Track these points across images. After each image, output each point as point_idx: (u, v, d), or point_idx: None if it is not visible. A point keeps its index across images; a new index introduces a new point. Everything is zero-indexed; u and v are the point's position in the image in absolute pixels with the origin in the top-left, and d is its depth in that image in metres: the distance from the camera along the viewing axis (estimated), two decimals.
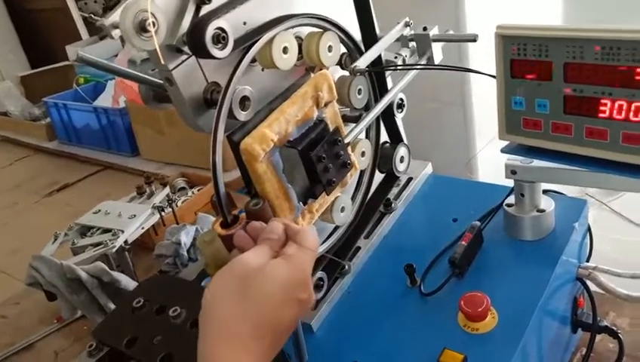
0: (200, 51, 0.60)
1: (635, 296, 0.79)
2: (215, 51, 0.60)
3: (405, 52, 0.87)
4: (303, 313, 0.54)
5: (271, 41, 0.67)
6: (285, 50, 0.68)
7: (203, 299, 0.50)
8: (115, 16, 0.55)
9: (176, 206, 1.47)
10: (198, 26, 0.59)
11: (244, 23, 0.67)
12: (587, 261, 0.88)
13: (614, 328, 0.82)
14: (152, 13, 0.53)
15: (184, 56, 0.63)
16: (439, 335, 0.72)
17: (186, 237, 1.28)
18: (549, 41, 0.64)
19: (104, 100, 2.28)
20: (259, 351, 0.49)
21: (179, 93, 0.64)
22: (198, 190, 1.61)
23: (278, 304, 0.51)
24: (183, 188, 1.64)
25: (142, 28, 0.54)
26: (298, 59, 0.72)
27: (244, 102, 0.65)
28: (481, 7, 1.49)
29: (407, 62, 0.86)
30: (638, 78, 0.58)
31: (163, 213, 1.38)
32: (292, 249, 0.54)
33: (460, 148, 1.63)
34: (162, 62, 0.59)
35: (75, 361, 0.63)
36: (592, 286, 0.83)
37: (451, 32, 0.88)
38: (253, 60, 0.69)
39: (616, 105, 0.61)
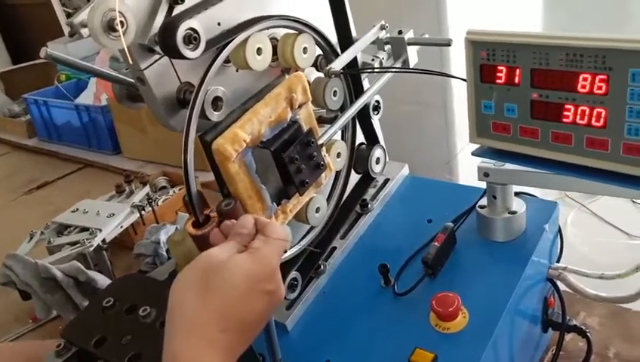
0: (171, 51, 0.61)
1: (603, 296, 0.80)
2: (186, 52, 0.61)
3: (382, 54, 0.88)
4: (272, 306, 0.54)
5: (245, 41, 0.67)
6: (259, 51, 0.68)
7: (169, 296, 0.51)
8: (83, 15, 0.55)
9: (157, 205, 1.46)
10: (170, 26, 0.59)
11: (219, 24, 0.67)
12: (558, 261, 0.89)
13: (583, 327, 0.83)
14: (120, 12, 0.53)
15: (156, 56, 0.64)
16: (411, 335, 0.73)
17: (165, 237, 1.27)
18: (516, 47, 0.65)
19: (86, 98, 2.26)
20: (224, 345, 0.49)
21: (151, 93, 0.64)
22: (179, 189, 1.60)
23: (243, 296, 0.51)
24: (164, 188, 1.63)
25: (110, 27, 0.54)
26: (273, 61, 0.73)
27: (216, 102, 0.66)
28: (463, 11, 1.50)
29: (383, 65, 0.87)
30: (599, 85, 0.60)
31: (143, 212, 1.37)
32: (258, 242, 0.54)
33: (441, 150, 1.64)
34: (131, 62, 0.59)
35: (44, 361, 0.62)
36: (563, 287, 0.84)
37: (427, 35, 0.88)
38: (228, 61, 0.69)
39: (580, 110, 0.62)
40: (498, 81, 0.68)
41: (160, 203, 1.50)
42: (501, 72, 0.67)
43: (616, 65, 0.58)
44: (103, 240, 1.27)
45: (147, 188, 1.46)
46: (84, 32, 0.56)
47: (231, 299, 0.50)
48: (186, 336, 0.49)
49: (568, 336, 0.86)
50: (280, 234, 0.56)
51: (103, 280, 1.13)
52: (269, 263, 0.53)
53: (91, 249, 1.24)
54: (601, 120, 0.61)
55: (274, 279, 0.54)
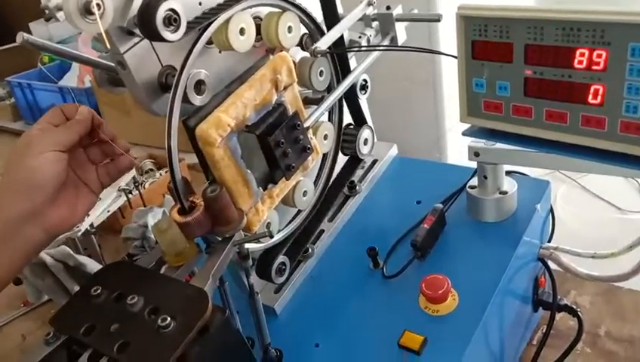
0: (151, 34, 0.58)
1: (595, 275, 0.80)
2: (167, 34, 0.58)
3: (370, 32, 0.86)
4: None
5: (227, 21, 0.65)
6: (242, 31, 0.66)
7: None
8: None
9: (143, 188, 1.44)
10: (149, 7, 0.57)
11: (200, 4, 0.65)
12: (549, 241, 0.89)
13: (574, 306, 0.83)
14: None
15: (136, 39, 0.61)
16: (400, 318, 0.72)
17: (152, 220, 1.26)
18: (509, 22, 0.62)
19: (69, 80, 2.22)
20: None
21: (132, 78, 0.62)
22: (166, 172, 1.59)
23: None
24: (150, 170, 1.62)
25: (87, 10, 0.52)
26: (257, 41, 0.70)
27: (199, 86, 0.64)
28: None
29: (371, 43, 0.85)
30: (596, 60, 0.57)
31: (130, 196, 1.36)
32: None
33: (430, 128, 1.63)
34: (109, 46, 0.57)
35: (33, 350, 0.62)
36: (554, 266, 0.84)
37: (416, 11, 0.86)
38: (210, 42, 0.67)
39: (576, 87, 0.60)
40: (490, 57, 0.65)
41: (147, 186, 1.49)
42: (493, 48, 0.65)
43: (615, 39, 0.56)
44: (91, 225, 1.26)
45: (133, 172, 1.44)
46: (60, 15, 0.54)
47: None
48: None
49: (559, 315, 0.86)
50: None
51: (92, 265, 1.12)
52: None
53: (80, 233, 1.23)
54: (599, 97, 0.59)
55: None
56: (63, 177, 0.62)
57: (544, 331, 0.84)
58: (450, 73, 1.49)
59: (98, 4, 0.52)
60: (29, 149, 0.61)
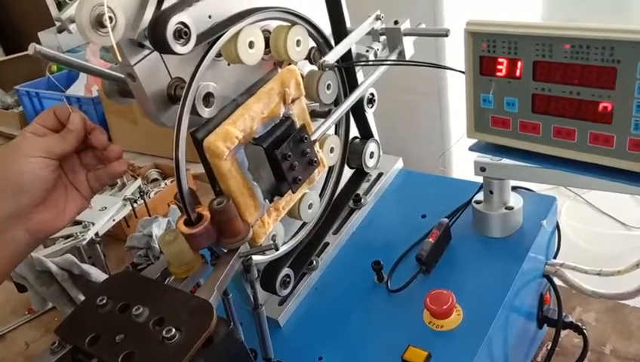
0: (161, 47, 0.59)
1: (601, 293, 0.80)
2: (177, 47, 0.59)
3: (377, 46, 0.86)
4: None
5: (236, 35, 0.65)
6: (251, 44, 0.67)
7: None
8: (71, 10, 0.53)
9: (149, 197, 1.45)
10: (159, 20, 0.58)
11: (209, 17, 0.66)
12: (555, 257, 0.88)
13: (579, 324, 0.83)
14: (109, 7, 0.52)
15: (146, 51, 0.62)
16: (404, 332, 0.72)
17: (157, 230, 1.27)
18: (518, 39, 0.63)
19: (77, 89, 2.23)
20: None
21: (141, 89, 0.62)
22: (171, 181, 1.59)
23: None
24: (155, 180, 1.62)
25: (99, 23, 0.52)
26: (266, 54, 0.71)
27: (207, 98, 0.64)
28: (460, 1, 1.48)
29: (378, 56, 0.85)
30: (606, 77, 0.58)
31: (135, 205, 1.36)
32: None
33: (435, 141, 1.63)
34: (119, 58, 0.57)
35: (38, 358, 0.62)
36: (559, 282, 0.84)
37: (423, 25, 0.87)
38: (219, 55, 0.67)
39: (584, 105, 0.60)
40: (498, 73, 0.66)
41: (152, 195, 1.49)
42: (502, 64, 0.65)
43: (624, 57, 0.56)
44: (96, 234, 1.27)
45: (139, 181, 1.45)
46: (73, 27, 0.55)
47: None
48: None
49: (564, 332, 0.86)
50: None
51: (96, 273, 1.13)
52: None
53: (85, 242, 1.23)
54: (607, 115, 0.59)
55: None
56: (51, 183, 0.63)
57: (549, 348, 0.83)
58: (455, 87, 1.49)
59: (110, 17, 0.53)
60: (20, 152, 0.61)
